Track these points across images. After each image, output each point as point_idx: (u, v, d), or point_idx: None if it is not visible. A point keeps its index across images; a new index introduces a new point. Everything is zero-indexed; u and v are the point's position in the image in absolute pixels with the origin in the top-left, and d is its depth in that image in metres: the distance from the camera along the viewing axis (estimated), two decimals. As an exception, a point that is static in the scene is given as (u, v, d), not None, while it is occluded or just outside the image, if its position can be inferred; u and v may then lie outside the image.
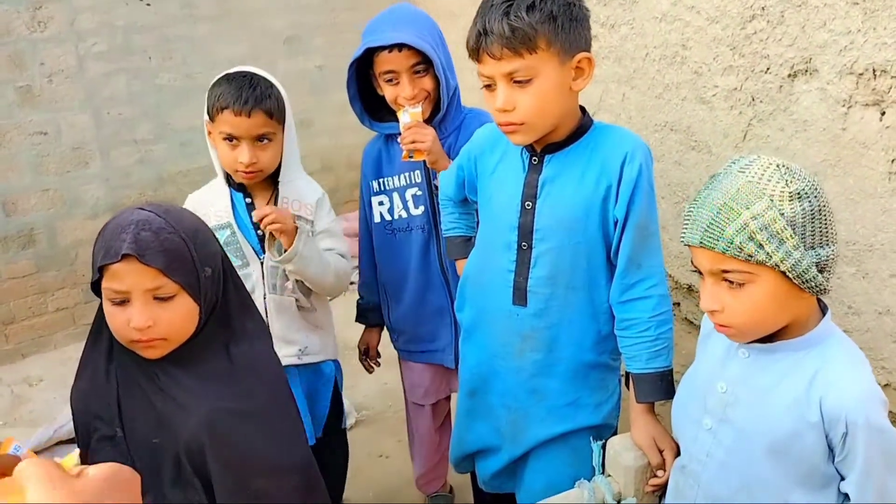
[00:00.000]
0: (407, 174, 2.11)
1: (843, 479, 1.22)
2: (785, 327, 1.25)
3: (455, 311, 1.91)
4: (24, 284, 3.77)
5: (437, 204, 2.05)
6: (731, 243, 1.16)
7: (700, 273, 1.28)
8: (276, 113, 1.86)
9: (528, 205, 1.61)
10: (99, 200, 3.87)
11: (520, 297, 1.65)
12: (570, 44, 1.48)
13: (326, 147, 4.60)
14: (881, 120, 1.89)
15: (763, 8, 2.15)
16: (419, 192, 2.11)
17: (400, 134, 1.99)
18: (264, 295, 1.96)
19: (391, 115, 2.08)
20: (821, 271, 1.19)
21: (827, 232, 1.20)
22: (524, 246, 1.63)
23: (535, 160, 1.62)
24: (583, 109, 1.61)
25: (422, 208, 2.09)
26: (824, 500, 1.24)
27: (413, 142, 1.92)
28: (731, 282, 1.20)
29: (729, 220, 1.17)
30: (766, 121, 2.22)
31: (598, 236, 1.58)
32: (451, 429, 2.51)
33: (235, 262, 1.80)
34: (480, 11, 1.48)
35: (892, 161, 1.88)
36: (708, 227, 1.19)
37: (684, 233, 1.26)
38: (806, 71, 2.06)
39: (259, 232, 1.94)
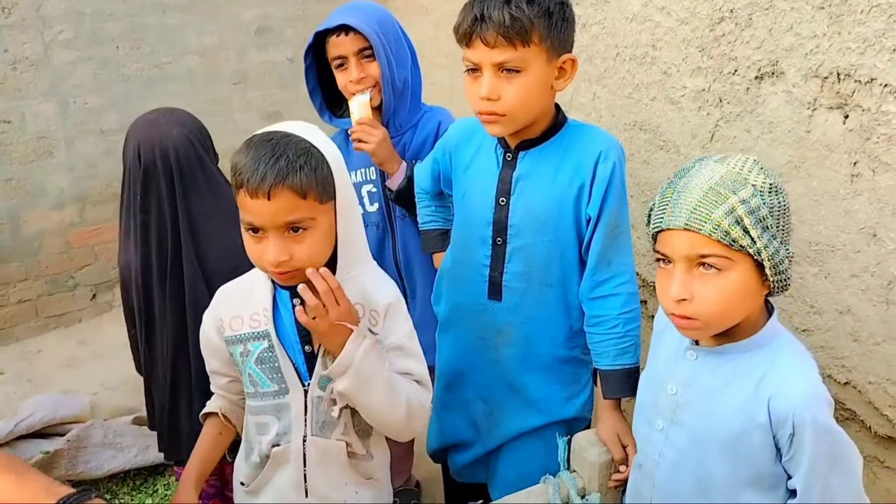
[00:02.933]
0: (363, 170, 2.10)
1: (790, 477, 1.24)
2: (733, 328, 1.26)
3: (433, 303, 1.91)
4: (-15, 276, 3.70)
5: (391, 202, 2.05)
6: (718, 226, 1.16)
7: (664, 261, 1.26)
8: (315, 190, 1.32)
9: (503, 201, 1.62)
10: (63, 191, 3.81)
11: (495, 291, 1.66)
12: (560, 43, 1.50)
13: (297, 140, 4.57)
14: (844, 123, 1.92)
15: (731, 10, 2.18)
16: (374, 189, 2.11)
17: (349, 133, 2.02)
18: (304, 437, 1.46)
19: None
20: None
21: (790, 230, 1.23)
22: (499, 241, 1.64)
23: (509, 156, 1.63)
24: (557, 107, 1.62)
25: (376, 205, 2.09)
26: (774, 500, 1.26)
27: (359, 140, 1.92)
28: (708, 267, 1.19)
29: (716, 202, 1.16)
30: (733, 122, 2.25)
31: (572, 233, 1.60)
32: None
33: (268, 388, 1.45)
34: None
35: (855, 164, 1.92)
36: (694, 209, 1.17)
37: (662, 217, 1.23)
38: (772, 73, 2.10)
39: (308, 348, 1.45)
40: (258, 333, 1.45)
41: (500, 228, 1.64)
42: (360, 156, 1.99)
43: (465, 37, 1.49)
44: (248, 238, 1.36)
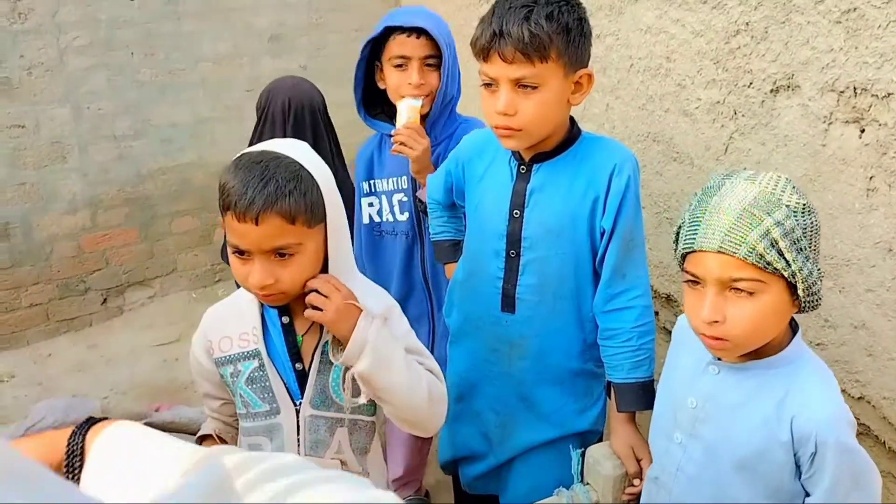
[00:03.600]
0: (395, 179, 2.11)
1: (807, 495, 1.23)
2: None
3: (444, 315, 1.91)
4: (-2, 279, 3.72)
5: (421, 213, 2.06)
6: (754, 249, 1.13)
7: (694, 282, 1.24)
8: (304, 215, 1.28)
9: (517, 213, 1.62)
10: (76, 196, 3.83)
11: (508, 304, 1.66)
12: (577, 58, 1.49)
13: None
14: (860, 137, 1.92)
15: (747, 23, 2.18)
16: (405, 199, 2.11)
17: (392, 135, 2.00)
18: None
19: (385, 116, 2.08)
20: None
21: (819, 249, 1.22)
22: (512, 254, 1.64)
23: (523, 169, 1.63)
24: (572, 120, 1.62)
25: (406, 214, 2.09)
26: None
27: (403, 143, 1.92)
28: (740, 290, 1.17)
29: (751, 225, 1.14)
30: (748, 135, 2.25)
31: (586, 246, 1.60)
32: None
33: (260, 408, 1.43)
34: (496, 12, 1.46)
35: (871, 178, 1.91)
36: (728, 231, 1.15)
37: (693, 239, 1.21)
38: (788, 87, 2.09)
39: (298, 366, 1.44)
40: (248, 353, 1.43)
41: (513, 241, 1.64)
42: (392, 163, 2.00)
43: (483, 52, 1.48)
44: (233, 259, 1.34)
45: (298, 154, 1.33)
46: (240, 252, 1.31)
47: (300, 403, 1.43)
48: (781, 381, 1.24)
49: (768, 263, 1.14)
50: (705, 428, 1.31)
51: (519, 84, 1.47)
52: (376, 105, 2.11)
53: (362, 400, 1.39)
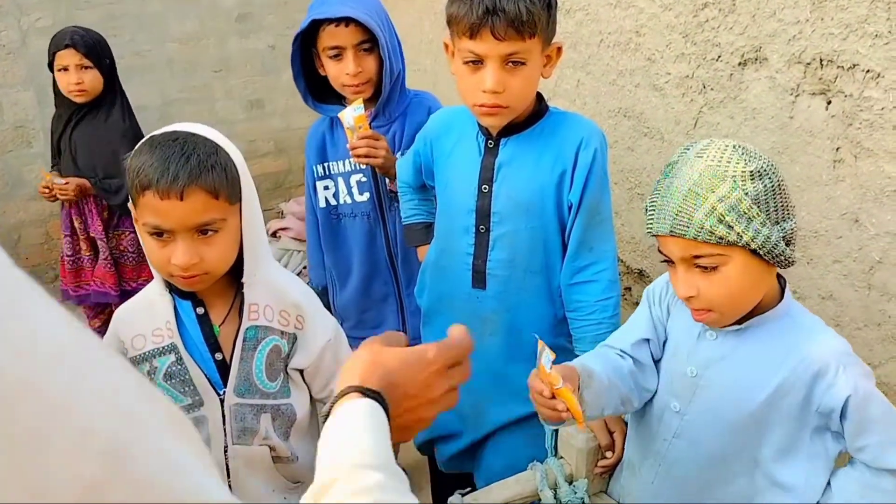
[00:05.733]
0: (352, 160, 2.08)
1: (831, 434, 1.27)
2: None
3: (415, 295, 1.90)
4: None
5: (383, 191, 2.04)
6: (702, 228, 1.17)
7: (670, 262, 1.28)
8: (226, 190, 1.28)
9: (485, 188, 1.61)
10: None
11: (479, 280, 1.66)
12: (552, 32, 1.52)
13: (278, 129, 4.55)
14: (827, 109, 1.93)
15: (715, -4, 2.18)
16: (364, 179, 2.08)
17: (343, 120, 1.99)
18: (225, 447, 1.42)
19: (335, 98, 2.05)
20: (787, 244, 1.23)
21: (787, 206, 1.23)
22: (482, 229, 1.63)
23: (490, 143, 1.62)
24: (539, 96, 1.62)
25: (367, 195, 2.06)
26: (792, 469, 1.28)
27: (367, 156, 1.90)
28: (704, 267, 1.21)
29: (696, 205, 1.17)
30: (717, 108, 2.25)
31: (554, 220, 1.60)
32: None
33: (182, 402, 1.40)
34: None
35: (837, 149, 1.92)
36: (676, 215, 1.19)
37: (651, 224, 1.25)
38: (756, 59, 2.10)
39: (218, 356, 1.42)
40: (163, 348, 1.40)
41: (483, 216, 1.63)
42: (346, 144, 1.98)
43: (471, 29, 1.45)
44: (151, 242, 1.30)
45: (208, 133, 1.32)
46: (159, 234, 1.28)
47: (223, 393, 1.42)
48: (783, 332, 1.28)
49: (720, 238, 1.17)
50: (706, 394, 1.33)
51: (508, 61, 1.46)
52: (324, 89, 2.07)
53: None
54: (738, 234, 1.17)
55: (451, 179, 1.70)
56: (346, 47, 1.91)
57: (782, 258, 1.23)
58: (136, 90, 3.94)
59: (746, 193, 1.17)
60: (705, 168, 1.19)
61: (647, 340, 1.43)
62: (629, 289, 2.79)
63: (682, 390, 1.37)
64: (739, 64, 2.15)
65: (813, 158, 1.98)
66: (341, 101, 2.06)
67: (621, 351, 1.43)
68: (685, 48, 2.34)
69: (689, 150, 1.26)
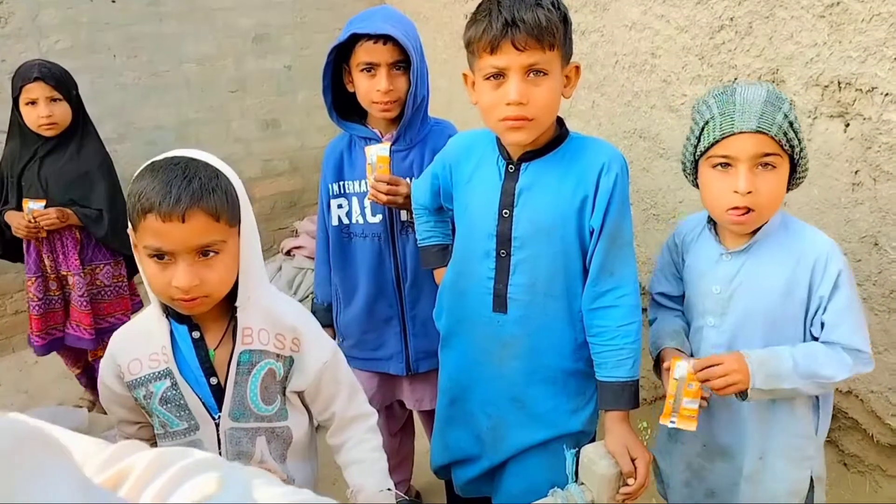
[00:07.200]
0: (367, 180, 2.09)
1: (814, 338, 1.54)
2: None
3: (434, 318, 1.90)
4: (-18, 286, 3.68)
5: (396, 214, 2.05)
6: (780, 128, 1.42)
7: (725, 164, 1.48)
8: (227, 212, 1.31)
9: (506, 213, 1.62)
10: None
11: (500, 304, 1.66)
12: (570, 50, 1.54)
13: (294, 148, 4.58)
14: (845, 131, 1.93)
15: (731, 19, 2.19)
16: None
17: (364, 138, 2.04)
18: None
19: (358, 116, 2.07)
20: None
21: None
22: (503, 254, 1.63)
23: (511, 168, 1.62)
24: (560, 120, 1.62)
25: (379, 217, 2.07)
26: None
27: (389, 201, 1.93)
28: (766, 165, 1.45)
29: (776, 109, 1.43)
30: (734, 130, 2.25)
31: (575, 245, 1.60)
32: (411, 433, 2.51)
33: (178, 426, 1.43)
34: (499, 3, 1.46)
35: (856, 172, 1.92)
36: (761, 115, 1.42)
37: (732, 122, 1.44)
38: (773, 81, 2.10)
39: (213, 380, 1.43)
40: (159, 373, 1.42)
41: (503, 240, 1.63)
42: (364, 164, 1.99)
43: (492, 43, 1.46)
44: (151, 266, 1.31)
45: (207, 158, 1.35)
46: (160, 256, 1.29)
47: (219, 417, 1.43)
48: (781, 240, 1.54)
49: (788, 140, 1.44)
50: (733, 304, 1.58)
51: (530, 72, 1.47)
52: (348, 107, 2.09)
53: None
54: (799, 140, 1.46)
55: (471, 203, 1.70)
56: (380, 64, 1.93)
57: (801, 179, 1.53)
58: (153, 111, 3.99)
59: (796, 117, 1.46)
60: (768, 90, 1.45)
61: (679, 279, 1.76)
62: (645, 309, 2.78)
63: (713, 306, 1.60)
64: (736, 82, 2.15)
65: (831, 181, 1.97)
66: (364, 120, 2.08)
67: (672, 299, 1.78)
68: (701, 70, 2.35)
69: (734, 86, 1.50)
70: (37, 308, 2.88)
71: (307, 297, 4.15)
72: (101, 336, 2.87)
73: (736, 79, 2.22)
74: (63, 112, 2.75)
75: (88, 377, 3.16)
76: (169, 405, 1.42)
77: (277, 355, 1.46)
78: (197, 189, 1.26)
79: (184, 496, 0.58)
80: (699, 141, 1.53)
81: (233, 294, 1.40)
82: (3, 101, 3.51)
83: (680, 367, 1.49)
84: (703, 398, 1.49)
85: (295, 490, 0.68)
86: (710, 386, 1.50)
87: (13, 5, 3.51)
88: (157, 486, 0.60)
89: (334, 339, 2.29)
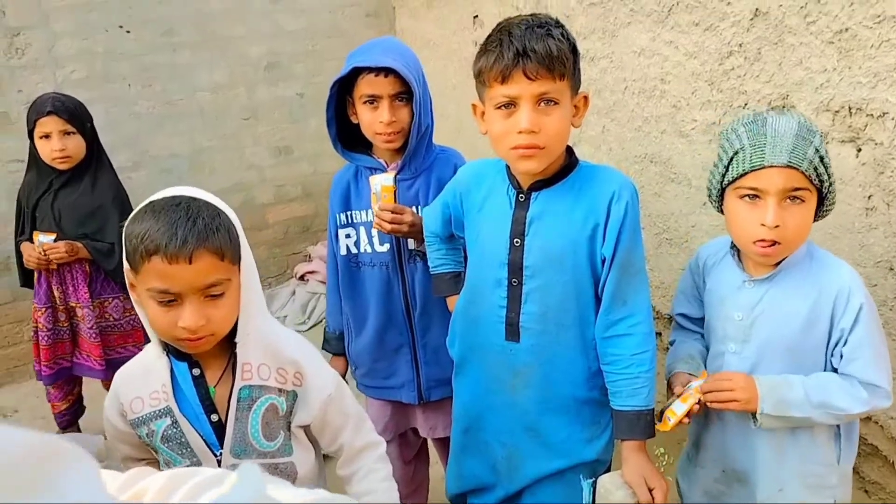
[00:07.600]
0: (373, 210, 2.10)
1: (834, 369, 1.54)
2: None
3: (447, 346, 1.90)
4: (0, 313, 3.71)
5: (403, 243, 2.05)
6: (811, 163, 1.42)
7: (754, 196, 1.48)
8: (230, 250, 1.31)
9: (517, 241, 1.62)
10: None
11: (512, 333, 1.66)
12: (578, 80, 1.55)
13: (306, 174, 4.61)
14: (857, 157, 1.93)
15: (740, 45, 2.20)
16: None
17: (370, 168, 2.05)
18: None
19: (362, 147, 2.09)
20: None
21: None
22: (514, 282, 1.64)
23: (521, 197, 1.63)
24: (569, 149, 1.63)
25: (387, 246, 2.07)
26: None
27: (393, 230, 1.94)
28: (795, 199, 1.45)
29: (806, 144, 1.42)
30: (745, 155, 2.25)
31: (587, 273, 1.60)
32: (426, 460, 2.50)
33: (180, 464, 1.41)
34: (513, 33, 1.48)
35: (869, 197, 1.92)
36: (793, 149, 1.41)
37: (763, 155, 1.43)
38: (783, 107, 2.10)
39: (214, 417, 1.42)
40: (160, 411, 1.41)
41: (515, 269, 1.64)
42: (370, 194, 2.01)
43: (503, 74, 1.48)
44: (156, 308, 1.30)
45: (205, 196, 1.34)
46: (165, 299, 1.28)
47: (220, 454, 1.42)
48: (804, 271, 1.54)
49: (818, 176, 1.44)
50: (755, 331, 1.58)
51: (541, 101, 1.49)
52: (353, 137, 2.11)
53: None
54: (829, 176, 1.45)
55: (482, 232, 1.71)
56: (382, 96, 1.95)
57: (828, 211, 1.53)
58: (167, 139, 4.04)
59: (826, 151, 1.45)
60: (799, 122, 1.45)
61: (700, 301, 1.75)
62: (659, 334, 2.77)
63: (735, 333, 1.60)
64: (766, 111, 2.15)
65: (845, 206, 1.97)
66: (369, 150, 2.10)
67: (693, 321, 1.78)
68: (711, 95, 2.35)
69: (763, 115, 1.50)
70: (46, 338, 2.90)
71: (320, 321, 4.16)
72: (113, 367, 2.87)
73: (746, 104, 2.23)
74: (77, 145, 2.78)
75: (73, 415, 3.14)
76: (171, 443, 1.42)
77: (280, 390, 1.45)
78: (202, 229, 1.25)
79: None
80: (727, 170, 1.52)
81: (233, 330, 1.39)
82: (20, 130, 3.57)
83: (693, 384, 1.58)
84: (691, 411, 1.54)
85: (309, 490, 0.69)
86: (712, 398, 1.52)
87: (30, 36, 3.57)
88: (176, 498, 0.62)
89: (347, 367, 2.30)
